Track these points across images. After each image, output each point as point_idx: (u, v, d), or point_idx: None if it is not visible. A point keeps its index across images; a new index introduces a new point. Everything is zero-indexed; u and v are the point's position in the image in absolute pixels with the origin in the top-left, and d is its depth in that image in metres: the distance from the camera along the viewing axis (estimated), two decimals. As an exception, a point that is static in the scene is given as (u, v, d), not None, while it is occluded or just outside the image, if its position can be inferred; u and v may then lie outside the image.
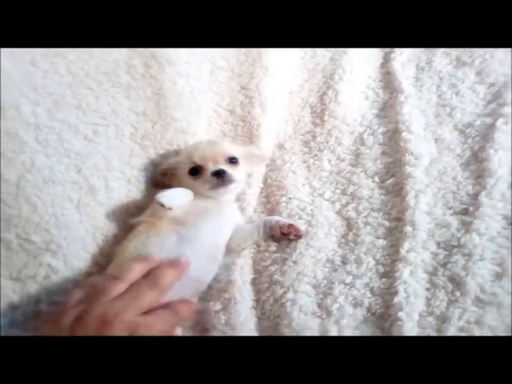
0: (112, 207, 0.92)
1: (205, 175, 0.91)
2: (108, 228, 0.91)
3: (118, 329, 0.64)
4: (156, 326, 0.67)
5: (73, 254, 0.85)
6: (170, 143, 1.00)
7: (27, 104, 0.86)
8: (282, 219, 0.90)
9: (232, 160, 0.94)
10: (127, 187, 0.94)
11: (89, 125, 0.91)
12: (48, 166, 0.85)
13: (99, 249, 0.88)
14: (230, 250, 0.88)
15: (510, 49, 1.09)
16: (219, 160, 0.92)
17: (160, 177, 0.97)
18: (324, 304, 0.78)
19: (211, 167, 0.91)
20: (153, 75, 0.99)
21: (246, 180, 1.00)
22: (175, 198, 0.87)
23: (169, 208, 0.85)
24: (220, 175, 0.90)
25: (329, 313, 0.76)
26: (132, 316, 0.66)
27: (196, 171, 0.92)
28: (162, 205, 0.84)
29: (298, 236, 0.87)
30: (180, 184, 0.93)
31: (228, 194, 0.94)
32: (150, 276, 0.73)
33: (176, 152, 0.99)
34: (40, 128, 0.86)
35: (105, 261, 0.87)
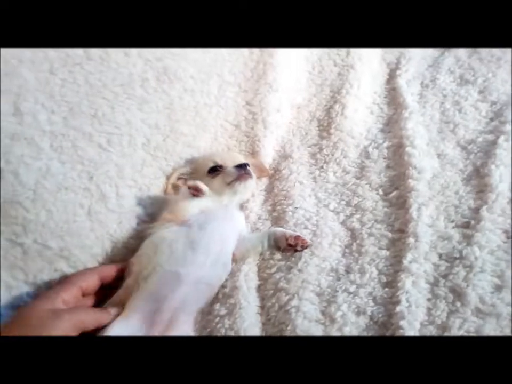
0: (123, 214, 0.94)
1: (225, 171, 0.97)
2: (118, 236, 0.93)
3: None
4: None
5: (83, 261, 0.88)
6: (179, 156, 1.04)
7: (43, 112, 0.88)
8: (288, 231, 0.91)
9: (247, 165, 0.99)
10: (138, 195, 0.96)
11: (103, 133, 0.93)
12: (62, 172, 0.87)
13: (108, 257, 0.91)
14: (234, 259, 0.90)
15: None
16: (237, 162, 0.98)
17: (175, 183, 1.00)
18: (327, 312, 0.79)
19: (231, 165, 0.97)
20: (165, 90, 1.01)
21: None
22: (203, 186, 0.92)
23: (203, 193, 0.91)
24: (242, 167, 0.96)
25: (332, 320, 0.77)
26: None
27: (215, 169, 0.98)
28: (196, 188, 0.90)
29: (305, 247, 0.88)
30: None
31: (242, 192, 0.98)
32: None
33: (190, 161, 1.04)
34: (55, 135, 0.88)
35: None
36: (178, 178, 1.00)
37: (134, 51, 0.98)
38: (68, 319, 0.74)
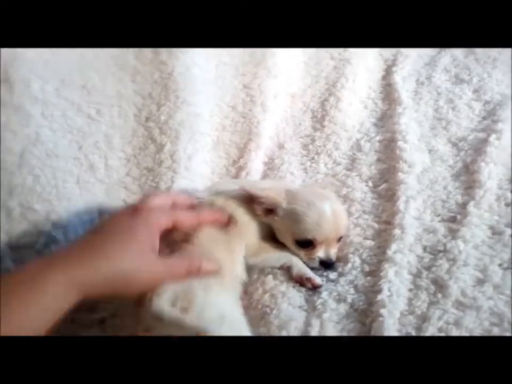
0: (111, 185, 0.93)
1: (313, 257, 0.84)
2: (107, 205, 0.92)
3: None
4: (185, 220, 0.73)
5: (72, 225, 0.87)
6: (180, 124, 1.01)
7: (36, 81, 0.89)
8: (304, 268, 0.84)
9: (340, 239, 0.87)
10: (128, 166, 0.96)
11: (93, 104, 0.93)
12: (52, 140, 0.88)
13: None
14: None
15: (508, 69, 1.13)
16: (333, 241, 0.85)
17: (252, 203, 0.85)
18: (310, 299, 0.80)
19: (320, 253, 0.84)
20: (163, 61, 1.01)
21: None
22: None
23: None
24: (327, 266, 0.85)
25: (314, 308, 0.78)
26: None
27: (308, 244, 0.84)
28: None
29: (314, 288, 0.83)
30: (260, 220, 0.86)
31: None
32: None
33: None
34: (47, 104, 0.89)
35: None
36: (259, 203, 0.85)
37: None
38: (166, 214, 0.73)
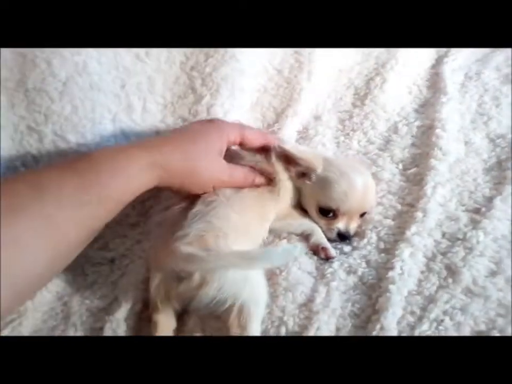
0: (144, 129, 0.95)
1: (332, 222, 0.86)
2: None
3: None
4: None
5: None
6: (223, 79, 1.01)
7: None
8: (324, 239, 0.85)
9: (363, 215, 0.88)
10: (163, 112, 0.97)
11: (143, 44, 0.93)
12: (98, 73, 0.89)
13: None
14: None
15: None
16: (355, 215, 0.86)
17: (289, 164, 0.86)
18: (321, 268, 0.82)
19: (340, 225, 0.85)
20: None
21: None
22: None
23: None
24: (344, 239, 0.86)
25: (323, 275, 0.80)
26: None
27: (328, 212, 0.85)
28: None
29: (327, 259, 0.83)
30: (290, 185, 0.87)
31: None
32: None
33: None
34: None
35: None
36: (297, 165, 0.86)
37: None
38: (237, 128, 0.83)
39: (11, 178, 0.67)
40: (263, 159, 0.86)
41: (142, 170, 0.69)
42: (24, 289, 0.64)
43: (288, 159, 0.85)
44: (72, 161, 0.69)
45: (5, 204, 0.58)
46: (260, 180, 0.84)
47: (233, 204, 0.80)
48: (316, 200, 0.86)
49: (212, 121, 0.83)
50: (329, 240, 0.86)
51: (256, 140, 0.84)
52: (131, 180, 0.69)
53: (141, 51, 0.94)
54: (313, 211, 0.87)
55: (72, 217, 0.63)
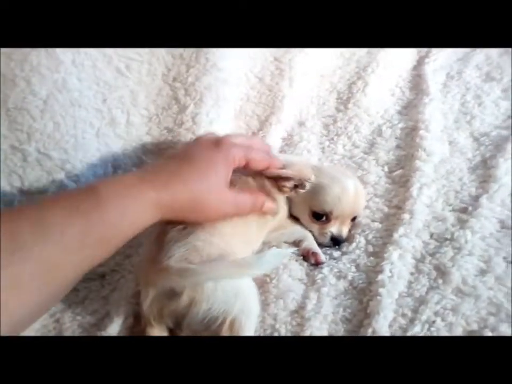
0: (129, 142, 0.94)
1: (325, 226, 0.86)
2: (121, 162, 0.93)
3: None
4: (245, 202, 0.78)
5: (85, 177, 0.88)
6: (206, 88, 1.01)
7: (70, 29, 0.89)
8: (314, 245, 0.86)
9: (354, 219, 0.89)
10: (148, 125, 0.97)
11: (124, 58, 0.93)
12: (78, 89, 0.89)
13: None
14: None
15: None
16: (347, 219, 0.87)
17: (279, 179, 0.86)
18: (311, 274, 0.82)
19: (333, 229, 0.86)
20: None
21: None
22: None
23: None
24: (337, 243, 0.86)
25: (313, 282, 0.80)
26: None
27: (321, 217, 0.86)
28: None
29: (316, 264, 0.84)
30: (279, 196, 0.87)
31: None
32: None
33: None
34: (79, 53, 0.89)
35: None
36: (286, 179, 0.85)
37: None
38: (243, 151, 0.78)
39: (12, 213, 0.64)
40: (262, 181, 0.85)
41: (148, 209, 0.68)
42: (17, 326, 0.63)
43: (281, 177, 0.85)
44: (77, 198, 0.65)
45: (5, 243, 0.56)
46: (269, 204, 0.82)
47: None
48: (309, 205, 0.86)
49: (219, 145, 0.76)
50: (322, 245, 0.86)
51: (260, 163, 0.81)
52: (136, 219, 0.68)
53: (122, 65, 0.93)
54: (305, 217, 0.87)
55: (73, 261, 0.62)
